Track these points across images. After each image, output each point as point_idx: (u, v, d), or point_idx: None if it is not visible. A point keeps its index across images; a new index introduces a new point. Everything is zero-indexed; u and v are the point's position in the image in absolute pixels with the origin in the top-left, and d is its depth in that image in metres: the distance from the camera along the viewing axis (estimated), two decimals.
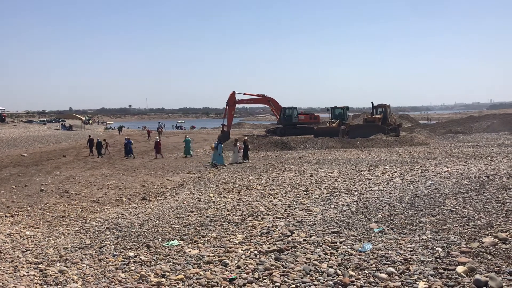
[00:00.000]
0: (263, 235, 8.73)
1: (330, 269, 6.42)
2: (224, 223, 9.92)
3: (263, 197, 12.69)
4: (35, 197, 15.15)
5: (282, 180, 15.51)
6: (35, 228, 10.89)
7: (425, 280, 5.69)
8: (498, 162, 16.75)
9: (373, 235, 8.00)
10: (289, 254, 7.36)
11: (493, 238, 6.86)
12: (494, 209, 8.64)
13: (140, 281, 6.76)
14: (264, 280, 6.31)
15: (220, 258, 7.48)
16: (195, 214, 11.10)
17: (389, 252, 6.90)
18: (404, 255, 6.66)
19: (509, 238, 6.77)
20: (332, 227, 8.75)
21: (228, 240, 8.56)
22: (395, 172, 15.56)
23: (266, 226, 9.32)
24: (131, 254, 8.18)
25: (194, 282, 6.52)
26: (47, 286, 6.89)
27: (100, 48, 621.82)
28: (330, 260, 6.85)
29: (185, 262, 7.41)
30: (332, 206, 10.70)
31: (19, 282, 6.99)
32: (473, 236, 7.17)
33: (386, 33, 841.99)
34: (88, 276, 7.17)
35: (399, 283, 5.72)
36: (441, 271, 5.90)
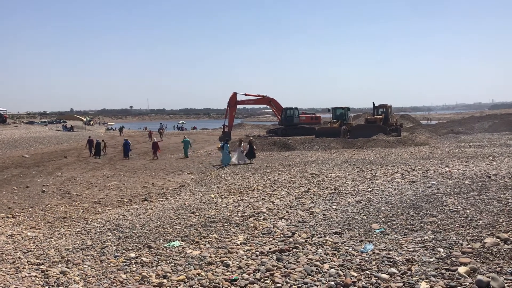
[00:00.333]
0: (264, 235, 8.73)
1: (332, 270, 6.42)
2: (225, 224, 9.91)
3: (264, 198, 12.69)
4: (36, 198, 15.16)
5: (284, 181, 15.50)
6: (36, 229, 10.89)
7: (427, 280, 5.68)
8: (499, 162, 16.72)
9: (375, 235, 7.99)
10: (291, 254, 7.36)
11: (495, 239, 6.85)
12: (496, 209, 8.62)
13: (142, 282, 6.76)
14: (266, 281, 6.31)
15: (222, 259, 7.48)
16: (196, 215, 11.10)
17: (391, 252, 6.89)
18: (406, 256, 6.65)
19: (511, 238, 6.76)
20: (333, 227, 8.74)
21: (230, 241, 8.56)
22: (397, 172, 15.55)
23: (267, 227, 9.32)
24: (133, 255, 8.18)
25: (195, 283, 6.52)
26: (49, 287, 6.89)
27: (101, 48, 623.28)
28: (331, 261, 6.84)
29: (187, 263, 7.41)
30: (334, 207, 10.69)
31: (20, 283, 6.99)
32: (475, 237, 7.16)
33: (387, 33, 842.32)
34: (89, 277, 7.17)
35: (401, 284, 5.71)
36: (443, 271, 5.89)
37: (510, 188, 10.30)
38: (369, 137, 34.33)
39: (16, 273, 7.51)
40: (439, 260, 6.33)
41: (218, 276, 6.70)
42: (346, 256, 6.99)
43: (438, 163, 17.92)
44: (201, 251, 8.02)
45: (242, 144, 23.84)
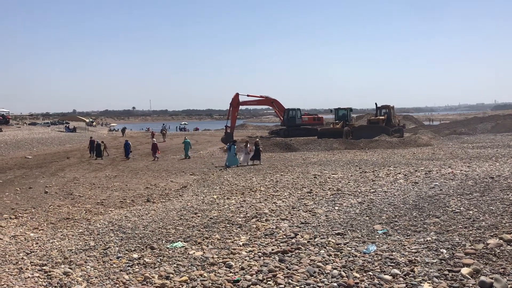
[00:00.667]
0: (267, 236, 8.73)
1: (334, 271, 6.41)
2: (228, 225, 9.92)
3: (266, 199, 12.69)
4: (39, 199, 15.19)
5: (286, 182, 15.50)
6: (39, 230, 10.91)
7: (429, 281, 5.67)
8: (503, 163, 16.68)
9: (377, 236, 7.98)
10: (293, 255, 7.36)
11: (498, 240, 6.84)
12: (499, 210, 8.60)
13: (144, 283, 6.77)
14: (268, 282, 6.31)
15: (224, 259, 7.49)
16: (199, 216, 11.11)
17: (394, 253, 6.89)
18: (409, 257, 6.64)
19: None
20: (336, 228, 8.74)
21: (232, 242, 8.56)
22: (399, 173, 15.53)
23: (270, 228, 9.32)
24: (135, 256, 8.19)
25: (198, 284, 6.52)
26: (52, 287, 6.91)
27: (104, 50, 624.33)
28: (334, 262, 6.84)
29: (189, 264, 7.42)
30: (336, 208, 10.69)
31: (23, 284, 7.01)
32: (478, 238, 7.14)
33: (389, 34, 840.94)
34: (92, 278, 7.18)
35: (404, 285, 5.70)
36: (446, 272, 5.88)
37: None
38: (372, 138, 34.29)
39: (19, 274, 7.53)
40: (442, 261, 6.32)
41: (220, 277, 6.70)
42: (349, 257, 6.99)
43: (441, 164, 17.89)
44: (204, 252, 8.03)
45: (248, 146, 23.78)
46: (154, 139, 32.45)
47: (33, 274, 7.48)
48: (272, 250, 7.77)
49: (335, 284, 5.98)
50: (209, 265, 7.29)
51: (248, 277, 6.57)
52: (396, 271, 6.13)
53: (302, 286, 6.05)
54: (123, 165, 25.67)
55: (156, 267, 7.46)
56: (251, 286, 6.28)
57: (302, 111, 52.05)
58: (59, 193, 16.32)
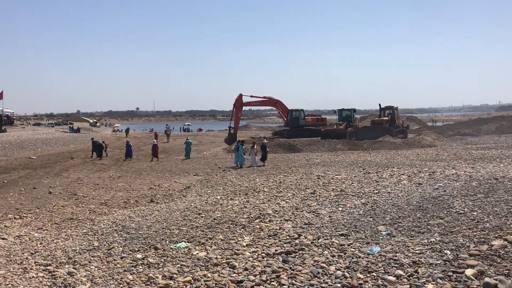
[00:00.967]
0: (270, 237, 8.73)
1: (338, 272, 6.41)
2: (231, 226, 9.93)
3: (270, 200, 12.69)
4: (43, 199, 15.25)
5: (289, 183, 15.50)
6: (43, 230, 10.95)
7: (433, 283, 5.66)
8: (507, 164, 16.63)
9: (381, 237, 7.97)
10: (297, 256, 7.36)
11: (502, 241, 6.82)
12: (504, 211, 8.57)
13: (148, 283, 6.79)
14: (272, 283, 6.31)
15: (228, 260, 7.49)
16: (202, 216, 11.12)
17: (397, 254, 6.88)
18: (413, 258, 6.63)
19: None
20: (339, 229, 8.73)
21: (236, 243, 8.57)
22: (403, 174, 15.49)
23: (273, 229, 9.32)
24: (139, 256, 8.21)
25: (201, 284, 6.53)
26: (56, 287, 6.93)
27: (107, 51, 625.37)
28: (338, 263, 6.84)
29: (193, 264, 7.43)
30: (340, 209, 10.68)
31: (28, 284, 7.04)
32: (482, 239, 7.13)
33: (392, 35, 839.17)
34: (96, 278, 7.20)
35: (408, 286, 5.70)
36: (450, 274, 5.87)
37: None
38: (375, 139, 34.24)
39: (23, 273, 7.56)
40: (446, 262, 6.31)
41: (224, 277, 6.71)
42: (353, 258, 6.98)
43: (445, 165, 17.85)
44: (207, 253, 8.04)
45: (255, 147, 23.75)
46: (154, 140, 32.44)
47: (37, 274, 7.51)
48: (276, 250, 7.77)
49: (339, 285, 5.97)
50: (213, 266, 7.30)
51: (251, 277, 6.58)
52: (400, 272, 6.13)
53: (306, 287, 6.06)
54: (126, 165, 25.73)
55: (160, 268, 7.47)
56: (255, 286, 6.29)
57: (306, 112, 51.98)
58: (63, 193, 16.38)
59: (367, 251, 7.22)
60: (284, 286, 6.14)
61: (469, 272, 5.78)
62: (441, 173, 14.88)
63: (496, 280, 5.42)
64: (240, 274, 6.78)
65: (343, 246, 7.62)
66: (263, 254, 7.65)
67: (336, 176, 16.14)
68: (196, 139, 50.27)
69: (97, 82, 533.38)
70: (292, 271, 6.64)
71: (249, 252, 7.85)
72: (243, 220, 10.38)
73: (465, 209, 9.15)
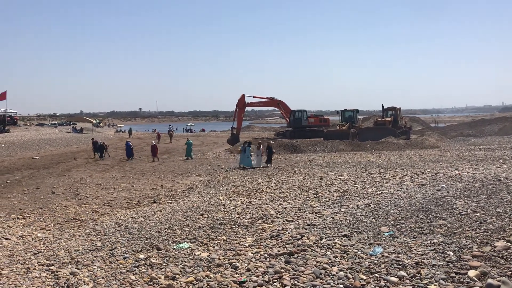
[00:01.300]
0: (273, 238, 8.73)
1: (341, 273, 6.41)
2: (234, 226, 9.93)
3: (272, 200, 12.69)
4: (46, 199, 15.29)
5: (292, 183, 15.49)
6: (46, 230, 10.98)
7: (436, 284, 5.66)
8: (510, 165, 16.59)
9: (384, 238, 7.96)
10: (299, 257, 7.35)
11: (505, 242, 6.80)
12: (507, 213, 8.55)
13: (151, 283, 6.80)
14: (274, 283, 6.31)
15: (230, 261, 7.49)
16: (205, 217, 11.13)
17: (400, 255, 6.87)
18: (415, 259, 6.62)
19: None
20: (342, 230, 8.73)
21: (238, 243, 8.57)
22: (406, 175, 15.48)
23: (276, 229, 9.32)
24: (142, 256, 8.22)
25: (204, 284, 6.54)
26: (59, 287, 6.94)
27: (111, 51, 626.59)
28: (340, 264, 6.83)
29: (195, 265, 7.43)
30: (342, 210, 10.67)
31: (31, 284, 7.06)
32: (485, 240, 7.11)
33: (396, 35, 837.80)
34: (99, 278, 7.22)
35: (410, 287, 5.69)
36: (453, 275, 5.86)
37: None
38: (378, 140, 34.17)
39: (26, 273, 7.58)
40: (449, 263, 6.30)
41: (226, 278, 6.72)
42: (355, 259, 6.98)
43: (448, 166, 17.82)
44: (210, 253, 8.04)
45: (261, 148, 23.68)
46: (152, 141, 32.43)
47: (40, 274, 7.53)
48: (278, 251, 7.77)
49: (341, 286, 5.97)
50: (215, 266, 7.31)
51: (254, 278, 6.58)
52: (402, 273, 6.12)
53: None
54: (129, 166, 25.77)
55: (163, 268, 7.48)
56: (257, 287, 6.29)
57: (308, 113, 51.91)
58: (66, 193, 16.42)
59: (369, 252, 7.22)
60: (286, 287, 6.14)
61: (472, 273, 5.77)
62: (444, 174, 14.86)
63: (499, 281, 5.41)
64: (242, 275, 6.78)
65: (345, 247, 7.62)
66: (266, 255, 7.65)
67: (339, 177, 16.13)
68: (199, 140, 50.32)
69: (100, 83, 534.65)
70: (295, 272, 6.63)
71: (252, 253, 7.85)
72: (246, 220, 10.38)
73: (468, 210, 9.13)
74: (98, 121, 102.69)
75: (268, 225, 9.78)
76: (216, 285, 6.48)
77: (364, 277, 6.19)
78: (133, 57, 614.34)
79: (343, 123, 43.46)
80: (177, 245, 8.72)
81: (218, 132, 78.83)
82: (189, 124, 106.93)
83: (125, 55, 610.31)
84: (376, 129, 39.48)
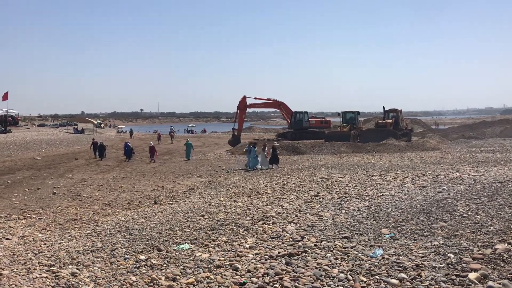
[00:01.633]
0: (273, 239, 8.73)
1: (341, 274, 6.40)
2: (234, 227, 9.93)
3: (273, 202, 12.69)
4: (47, 200, 15.31)
5: (293, 185, 15.49)
6: (47, 231, 10.99)
7: (436, 286, 5.65)
8: (511, 168, 16.56)
9: (384, 240, 7.95)
10: (300, 259, 7.35)
11: (506, 245, 6.79)
12: (508, 215, 8.54)
13: (151, 284, 6.80)
14: (275, 285, 6.31)
15: (231, 262, 7.49)
16: (205, 218, 11.13)
17: (401, 257, 6.86)
18: (416, 261, 6.61)
19: None
20: (343, 232, 8.72)
21: (239, 244, 8.57)
22: (407, 177, 15.47)
23: (276, 231, 9.31)
24: (142, 257, 8.22)
25: (204, 286, 6.54)
26: None
27: (112, 52, 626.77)
28: (340, 265, 6.82)
29: (196, 266, 7.43)
30: (343, 211, 10.67)
31: (32, 284, 7.07)
32: (486, 243, 7.10)
33: (398, 36, 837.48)
34: (99, 279, 7.22)
35: None
36: (453, 277, 5.85)
37: None
38: (379, 142, 34.16)
39: (27, 274, 7.59)
40: (449, 266, 6.29)
41: (227, 279, 6.72)
42: (356, 260, 6.97)
43: (449, 168, 17.80)
44: (210, 254, 8.04)
45: (266, 149, 23.67)
46: (151, 142, 32.46)
47: (41, 274, 7.54)
48: (279, 253, 7.77)
49: (342, 287, 5.96)
50: (216, 268, 7.31)
51: (254, 279, 6.57)
52: (403, 275, 6.11)
53: None
54: (130, 167, 25.79)
55: (163, 269, 7.49)
56: None
57: (310, 114, 51.91)
58: (67, 194, 16.44)
59: (370, 254, 7.21)
60: None
61: (472, 276, 5.76)
62: (445, 176, 14.85)
63: (499, 284, 5.40)
64: (243, 276, 6.78)
65: (346, 249, 7.61)
66: (266, 256, 7.65)
67: (340, 179, 16.13)
68: (200, 141, 50.37)
69: (102, 83, 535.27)
70: (295, 274, 6.63)
71: (252, 254, 7.85)
72: (246, 222, 10.38)
73: (469, 213, 9.12)
74: (99, 121, 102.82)
75: (269, 226, 9.78)
76: (217, 286, 6.48)
77: (364, 279, 6.19)
78: (134, 58, 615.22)
79: (344, 124, 43.45)
80: (178, 246, 8.72)
81: (219, 133, 78.88)
82: (190, 125, 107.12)
83: (127, 56, 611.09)
84: (377, 131, 39.50)
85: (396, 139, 35.97)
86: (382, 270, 6.42)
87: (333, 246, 7.83)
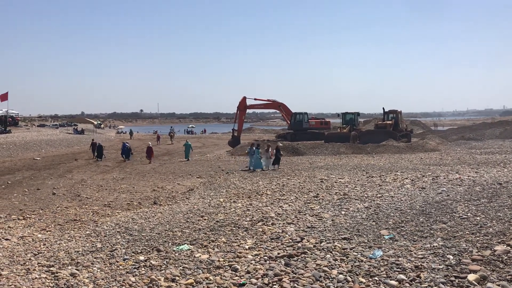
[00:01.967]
0: (273, 240, 8.73)
1: (340, 276, 6.40)
2: (234, 228, 9.93)
3: (273, 203, 12.69)
4: (47, 200, 15.30)
5: (292, 186, 15.49)
6: (47, 231, 10.99)
7: (436, 287, 5.65)
8: (511, 169, 16.58)
9: (384, 241, 7.95)
10: (299, 260, 7.35)
11: (505, 246, 6.79)
12: (507, 217, 8.55)
13: (150, 285, 6.80)
14: (274, 286, 6.31)
15: (230, 263, 7.49)
16: (205, 219, 11.13)
17: (400, 259, 6.86)
18: (415, 262, 6.61)
19: None
20: (342, 233, 8.72)
21: (238, 245, 8.57)
22: (406, 178, 15.47)
23: (276, 232, 9.31)
24: (142, 258, 8.22)
25: (204, 286, 6.54)
26: None
27: (112, 53, 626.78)
28: (340, 267, 6.82)
29: (195, 267, 7.43)
30: (343, 212, 10.67)
31: (31, 285, 7.07)
32: (485, 244, 7.10)
33: (398, 38, 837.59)
34: (99, 280, 7.22)
35: None
36: (452, 279, 5.85)
37: None
38: (379, 143, 34.22)
39: (26, 274, 7.59)
40: (449, 267, 6.29)
41: (226, 280, 6.72)
42: (355, 262, 6.97)
43: (448, 169, 17.81)
44: (210, 255, 8.04)
45: (269, 150, 23.67)
46: (149, 143, 32.46)
47: (40, 275, 7.54)
48: (278, 254, 7.77)
49: None
50: (215, 268, 7.31)
51: (253, 280, 6.57)
52: (402, 276, 6.11)
53: None
54: (130, 167, 25.80)
55: (162, 270, 7.48)
56: None
57: (309, 115, 51.94)
58: (67, 194, 16.44)
59: (369, 255, 7.21)
60: None
61: (471, 277, 5.76)
62: (444, 178, 14.85)
63: (498, 285, 5.41)
64: (242, 277, 6.78)
65: (345, 250, 7.62)
66: (266, 257, 7.65)
67: (339, 180, 16.13)
68: (200, 142, 50.38)
69: (102, 84, 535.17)
70: (294, 275, 6.63)
71: (252, 255, 7.85)
72: (246, 223, 10.38)
73: (468, 214, 9.12)
74: (99, 122, 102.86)
75: (268, 227, 9.78)
76: (216, 287, 6.48)
77: (363, 280, 6.19)
78: (134, 59, 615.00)
79: (344, 125, 43.51)
80: (177, 247, 8.72)
81: (219, 134, 78.90)
82: (190, 125, 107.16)
83: (127, 56, 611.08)
84: (377, 132, 39.57)
85: (395, 140, 36.05)
86: (382, 272, 6.42)
87: (333, 247, 7.84)
